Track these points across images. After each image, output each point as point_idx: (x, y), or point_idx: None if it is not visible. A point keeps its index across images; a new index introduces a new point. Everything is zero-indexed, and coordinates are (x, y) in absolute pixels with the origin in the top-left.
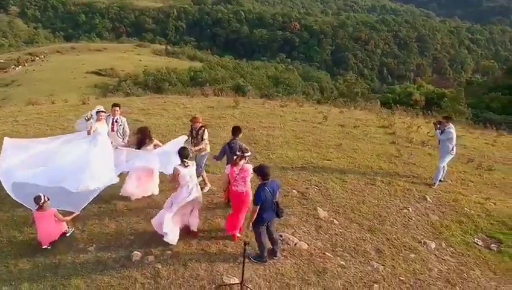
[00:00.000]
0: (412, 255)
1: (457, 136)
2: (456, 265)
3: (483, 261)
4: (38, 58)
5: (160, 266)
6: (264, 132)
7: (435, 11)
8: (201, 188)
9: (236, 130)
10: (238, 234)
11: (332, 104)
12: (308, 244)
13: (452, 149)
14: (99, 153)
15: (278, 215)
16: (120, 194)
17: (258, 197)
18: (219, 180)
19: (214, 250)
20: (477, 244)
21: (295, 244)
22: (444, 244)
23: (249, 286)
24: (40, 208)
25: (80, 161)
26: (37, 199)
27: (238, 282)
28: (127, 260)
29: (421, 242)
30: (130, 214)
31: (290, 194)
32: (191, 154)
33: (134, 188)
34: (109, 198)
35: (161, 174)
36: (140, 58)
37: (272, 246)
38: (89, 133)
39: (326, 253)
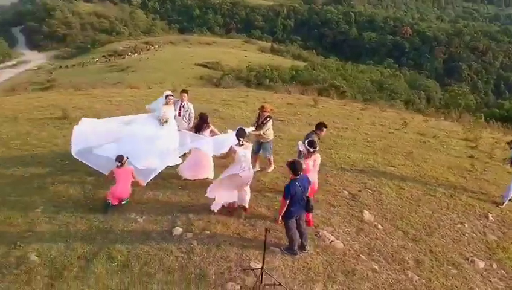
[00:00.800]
0: (454, 271)
1: None
2: (503, 288)
3: None
4: (153, 47)
5: (195, 243)
6: (335, 132)
7: None
8: (264, 169)
9: (319, 125)
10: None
11: (420, 113)
12: (344, 244)
13: None
14: (166, 135)
15: (308, 210)
16: (177, 172)
17: (287, 192)
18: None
19: (249, 236)
20: None
21: (331, 242)
22: (495, 266)
23: (270, 273)
24: (122, 165)
25: (148, 140)
26: (119, 158)
27: (256, 267)
28: (169, 234)
29: (468, 259)
30: (183, 193)
31: (340, 194)
32: (247, 133)
33: (190, 170)
34: (167, 176)
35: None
36: (245, 54)
37: (300, 240)
38: (161, 122)
39: (361, 255)
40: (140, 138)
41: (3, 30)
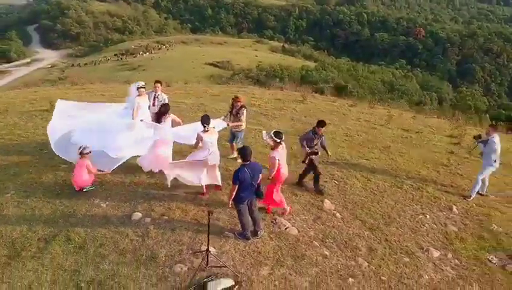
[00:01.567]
0: (406, 259)
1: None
2: (454, 277)
3: (489, 278)
4: (164, 46)
5: (152, 228)
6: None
7: None
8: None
9: (319, 123)
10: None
11: (413, 110)
12: (299, 231)
13: (495, 161)
14: (138, 126)
15: (258, 196)
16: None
17: (236, 177)
18: None
19: (206, 221)
20: (491, 261)
21: (286, 228)
22: (450, 255)
23: (216, 255)
24: (81, 155)
25: (121, 130)
26: (79, 148)
27: (204, 250)
28: (128, 219)
29: (423, 249)
30: (150, 181)
31: (307, 184)
32: (211, 121)
33: (148, 160)
34: (135, 165)
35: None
36: (256, 54)
37: (253, 226)
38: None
39: (314, 242)
40: (113, 127)
41: (18, 29)
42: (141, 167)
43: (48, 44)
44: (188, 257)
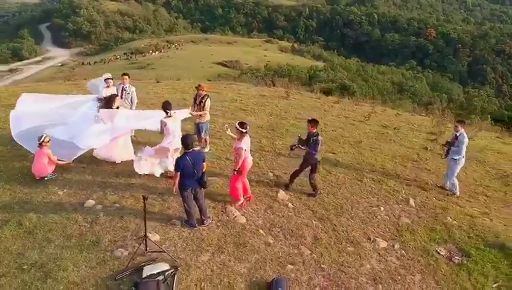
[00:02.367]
0: (350, 249)
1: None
2: (397, 267)
3: (432, 269)
4: (173, 45)
5: (101, 215)
6: (292, 121)
7: None
8: (203, 148)
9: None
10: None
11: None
12: (247, 219)
13: (463, 157)
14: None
15: (201, 185)
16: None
17: (177, 165)
18: None
19: (155, 210)
20: (438, 253)
21: (234, 217)
22: (396, 246)
23: (154, 240)
24: (40, 145)
25: (88, 122)
26: (39, 138)
27: (142, 235)
28: (80, 206)
29: (370, 239)
30: (111, 171)
31: (264, 175)
32: (171, 108)
33: (105, 149)
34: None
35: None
36: (265, 54)
37: (200, 214)
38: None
39: (260, 230)
40: (80, 119)
41: (31, 27)
42: (99, 160)
43: (59, 42)
44: (130, 243)
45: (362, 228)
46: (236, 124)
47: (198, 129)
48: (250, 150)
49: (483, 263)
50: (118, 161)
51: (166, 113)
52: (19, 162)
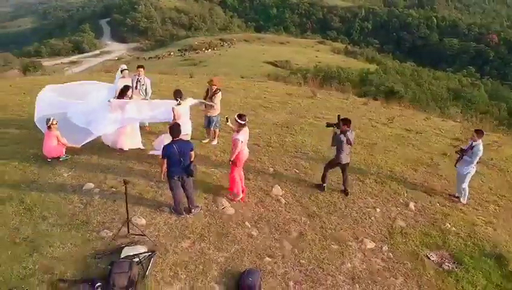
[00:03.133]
0: (334, 247)
1: None
2: (380, 269)
3: (417, 274)
4: (226, 44)
5: (97, 197)
6: (311, 120)
7: None
8: (211, 140)
9: (346, 121)
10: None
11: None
12: (236, 211)
13: (475, 165)
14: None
15: (188, 173)
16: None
17: (163, 152)
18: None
19: (149, 196)
20: (428, 258)
21: (223, 208)
22: (384, 248)
23: (136, 223)
24: (49, 128)
25: (104, 110)
26: (47, 121)
27: (126, 219)
28: (80, 188)
29: (358, 239)
30: (116, 158)
31: (265, 170)
32: (182, 95)
33: (112, 136)
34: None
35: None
36: (317, 55)
37: (187, 203)
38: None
39: (246, 222)
40: (97, 106)
41: (92, 22)
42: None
43: (117, 37)
44: (116, 225)
45: (352, 228)
46: (235, 115)
47: (208, 122)
48: (257, 145)
49: (474, 272)
50: (126, 149)
51: (177, 100)
52: (35, 145)
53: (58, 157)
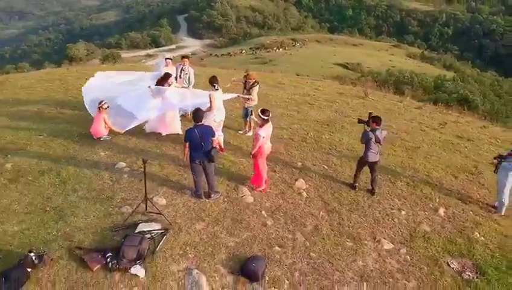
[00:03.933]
0: (349, 244)
1: None
2: (393, 270)
3: (433, 279)
4: (298, 44)
5: (126, 176)
6: (354, 120)
7: None
8: (246, 132)
9: (375, 119)
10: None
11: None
12: (254, 200)
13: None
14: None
15: (209, 158)
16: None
17: (185, 136)
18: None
19: (174, 179)
20: (449, 265)
21: (242, 196)
22: (402, 251)
23: (155, 202)
24: (99, 110)
25: (148, 95)
26: (99, 103)
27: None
28: (112, 166)
29: (375, 239)
30: (152, 142)
31: (292, 164)
32: (218, 81)
33: (153, 123)
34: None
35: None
36: (390, 58)
37: (208, 188)
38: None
39: (263, 212)
40: (142, 92)
41: (170, 17)
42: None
43: (193, 33)
44: (138, 202)
45: (371, 227)
46: (259, 110)
47: (245, 112)
48: (291, 139)
49: (496, 285)
50: (164, 133)
51: (214, 86)
52: (83, 125)
53: (101, 138)
